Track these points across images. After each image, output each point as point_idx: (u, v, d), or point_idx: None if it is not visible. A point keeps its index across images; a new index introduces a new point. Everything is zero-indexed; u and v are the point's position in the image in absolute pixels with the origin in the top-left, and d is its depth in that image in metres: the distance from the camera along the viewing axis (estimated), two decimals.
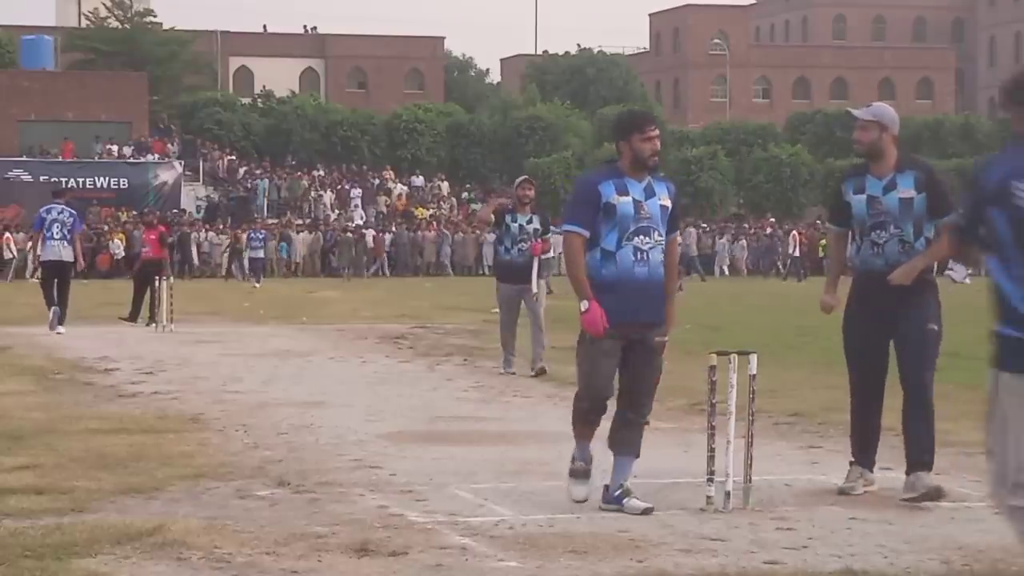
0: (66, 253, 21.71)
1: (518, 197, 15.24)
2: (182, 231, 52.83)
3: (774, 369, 13.08)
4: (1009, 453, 5.14)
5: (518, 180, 15.55)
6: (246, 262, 48.37)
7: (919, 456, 7.99)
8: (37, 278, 24.92)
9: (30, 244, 26.43)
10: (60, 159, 59.25)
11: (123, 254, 50.19)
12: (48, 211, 21.95)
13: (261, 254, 46.19)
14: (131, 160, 60.72)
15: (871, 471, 8.29)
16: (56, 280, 21.72)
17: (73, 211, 22.60)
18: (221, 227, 55.49)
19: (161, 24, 77.81)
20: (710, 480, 7.74)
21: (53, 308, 21.18)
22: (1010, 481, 5.14)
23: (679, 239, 8.00)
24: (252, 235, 46.59)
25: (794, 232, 55.88)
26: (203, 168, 62.69)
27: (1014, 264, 5.07)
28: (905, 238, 8.00)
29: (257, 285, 41.12)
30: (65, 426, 10.71)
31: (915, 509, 7.70)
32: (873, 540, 6.97)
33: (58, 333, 20.72)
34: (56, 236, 21.57)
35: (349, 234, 55.31)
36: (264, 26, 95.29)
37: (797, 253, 54.19)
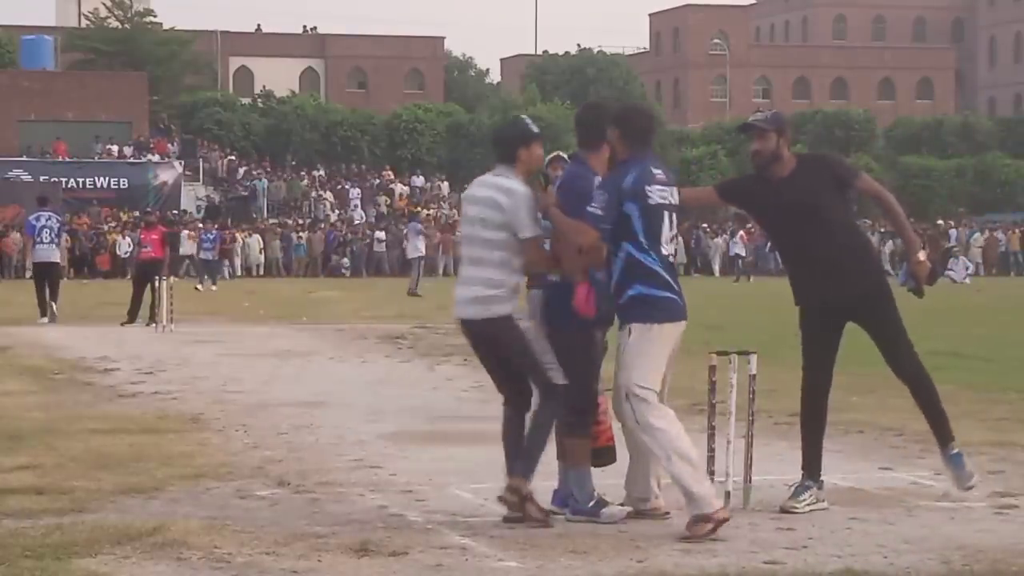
0: (54, 255, 24.09)
1: (545, 177, 12.98)
2: (232, 234, 52.95)
3: (774, 369, 13.07)
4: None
5: (548, 157, 12.79)
6: (235, 263, 48.09)
7: None
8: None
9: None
10: (60, 159, 59.25)
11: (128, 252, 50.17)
12: (37, 218, 24.35)
13: (211, 255, 45.53)
14: (131, 160, 60.75)
15: None
16: (47, 279, 23.98)
17: (59, 217, 25.40)
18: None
19: (161, 24, 77.86)
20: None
21: (44, 316, 23.46)
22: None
23: None
24: (203, 236, 46.03)
25: (741, 232, 55.92)
26: (203, 168, 62.73)
27: (647, 243, 7.18)
28: None
29: (200, 287, 39.02)
30: (65, 426, 10.72)
31: (915, 509, 7.71)
32: (873, 540, 6.97)
33: (50, 320, 23.08)
34: (45, 240, 23.95)
35: (353, 235, 55.46)
36: (258, 25, 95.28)
37: (744, 252, 54.36)
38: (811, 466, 7.84)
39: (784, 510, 7.59)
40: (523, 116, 7.89)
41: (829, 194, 7.71)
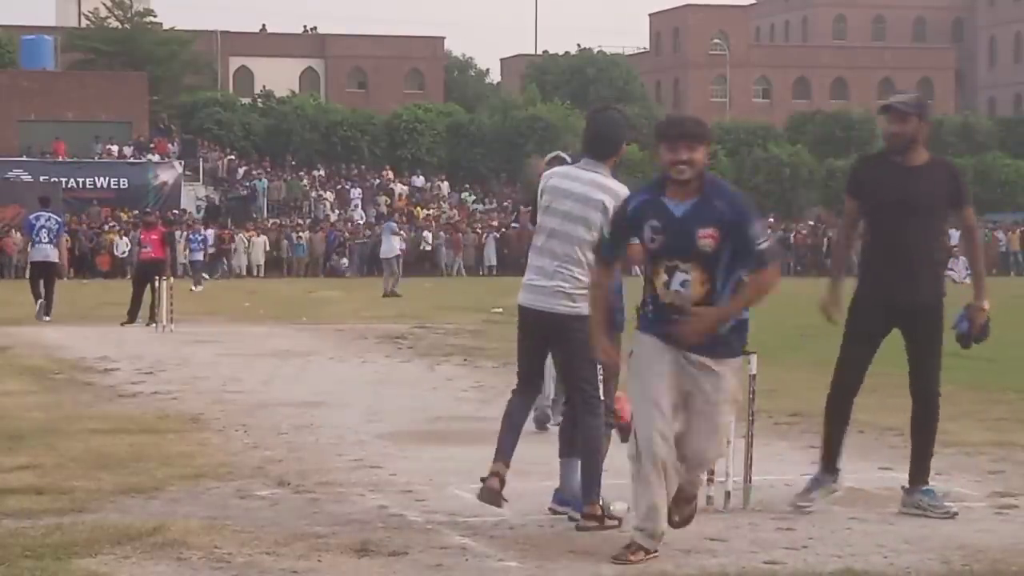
0: (52, 254, 24.46)
1: None
2: (231, 233, 52.97)
3: (774, 369, 13.08)
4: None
5: (548, 156, 9.89)
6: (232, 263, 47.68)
7: None
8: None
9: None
10: (60, 159, 59.25)
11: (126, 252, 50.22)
12: (36, 218, 24.85)
13: (200, 256, 45.06)
14: (131, 160, 60.74)
15: None
16: (43, 277, 24.44)
17: (58, 218, 25.88)
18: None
19: (161, 24, 77.83)
20: (710, 480, 7.73)
21: (39, 301, 23.98)
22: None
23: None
24: (192, 236, 45.66)
25: None
26: (203, 168, 62.71)
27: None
28: None
29: (194, 288, 38.19)
30: (65, 426, 10.72)
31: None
32: (873, 540, 6.97)
33: (45, 320, 23.49)
34: (44, 240, 24.40)
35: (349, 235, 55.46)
36: (263, 25, 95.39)
37: None
38: (831, 461, 7.80)
39: (795, 506, 7.56)
40: (618, 111, 7.58)
41: (944, 202, 7.70)
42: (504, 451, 7.39)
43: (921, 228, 7.63)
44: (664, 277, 6.54)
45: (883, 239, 7.72)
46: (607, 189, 7.16)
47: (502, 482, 7.24)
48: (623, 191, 7.13)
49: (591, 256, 7.16)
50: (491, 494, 7.20)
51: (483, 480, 7.26)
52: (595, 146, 7.27)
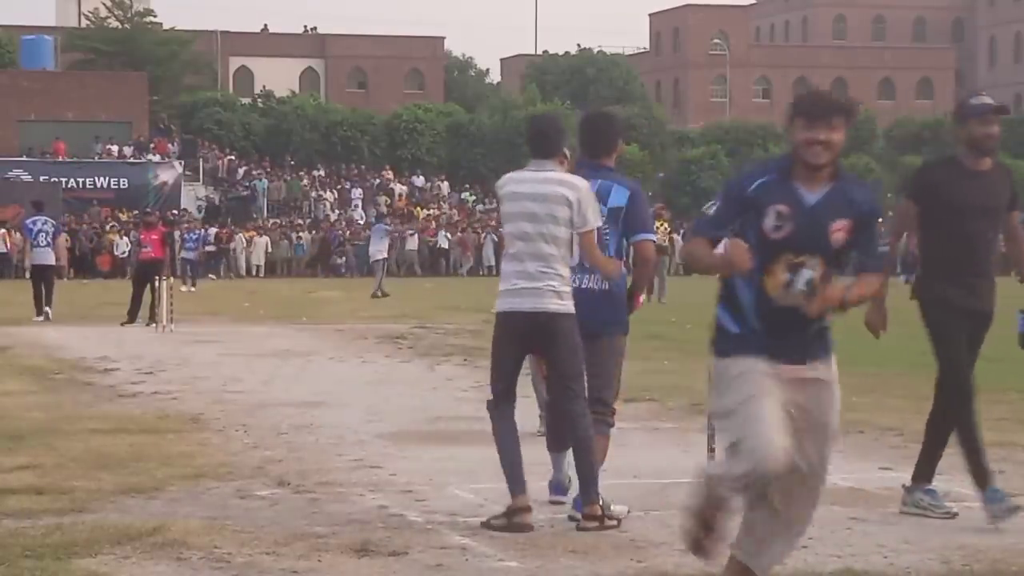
0: (50, 257, 25.31)
1: None
2: (230, 232, 52.87)
3: None
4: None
5: None
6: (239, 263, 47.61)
7: None
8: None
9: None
10: (60, 159, 59.25)
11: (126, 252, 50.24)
12: (34, 223, 25.80)
13: (193, 255, 45.05)
14: (131, 160, 60.74)
15: None
16: (43, 279, 25.09)
17: (54, 221, 26.92)
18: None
19: (161, 24, 77.83)
20: None
21: (37, 317, 24.41)
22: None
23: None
24: (186, 236, 45.71)
25: None
26: (203, 168, 62.74)
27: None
28: None
29: (193, 288, 38.34)
30: (65, 426, 10.72)
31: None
32: (873, 540, 6.97)
33: (44, 319, 24.19)
34: (42, 243, 25.30)
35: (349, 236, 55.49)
36: (265, 25, 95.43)
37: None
38: (982, 472, 7.58)
39: (995, 520, 7.35)
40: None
41: (1005, 206, 7.70)
42: (521, 480, 7.28)
43: (989, 232, 7.65)
44: (786, 276, 5.47)
45: (955, 243, 7.61)
46: (563, 183, 7.22)
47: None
48: (580, 182, 7.22)
49: (565, 253, 7.20)
50: (523, 528, 7.10)
51: (511, 518, 7.11)
52: (537, 146, 7.37)
